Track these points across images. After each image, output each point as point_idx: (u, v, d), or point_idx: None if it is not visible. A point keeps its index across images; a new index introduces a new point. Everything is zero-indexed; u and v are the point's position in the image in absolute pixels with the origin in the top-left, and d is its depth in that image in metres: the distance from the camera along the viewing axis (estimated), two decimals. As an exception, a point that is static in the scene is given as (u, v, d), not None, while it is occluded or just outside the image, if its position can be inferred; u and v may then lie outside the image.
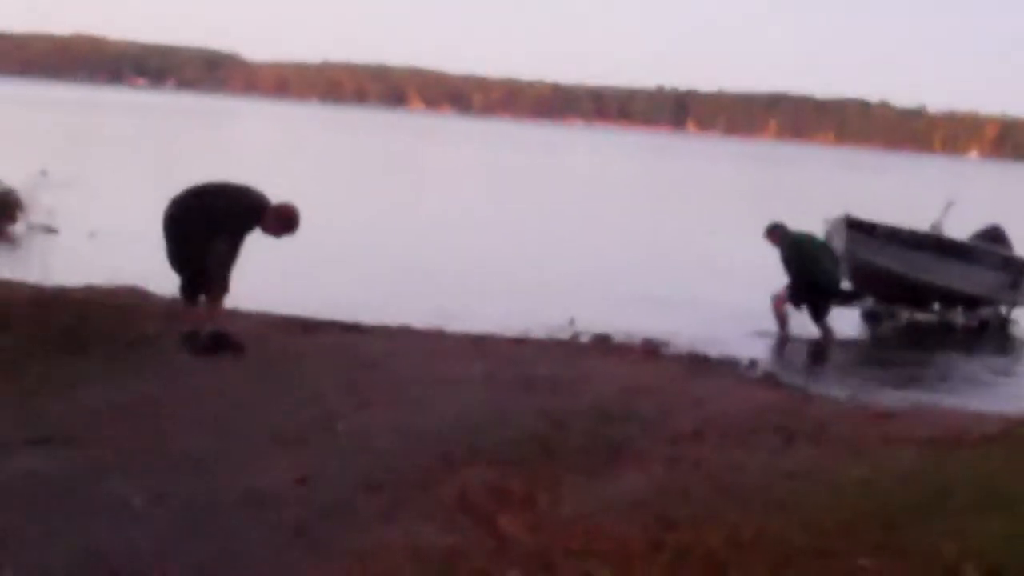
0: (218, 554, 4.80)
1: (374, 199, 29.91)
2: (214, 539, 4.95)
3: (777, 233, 13.81)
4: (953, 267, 15.63)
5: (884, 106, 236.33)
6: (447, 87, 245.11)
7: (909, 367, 12.89)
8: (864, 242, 15.00)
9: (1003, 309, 16.29)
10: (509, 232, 24.11)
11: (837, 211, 15.60)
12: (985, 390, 11.64)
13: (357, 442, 6.44)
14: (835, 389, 10.44)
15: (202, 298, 8.72)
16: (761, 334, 13.34)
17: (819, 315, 13.72)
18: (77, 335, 8.38)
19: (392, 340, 9.80)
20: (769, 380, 9.98)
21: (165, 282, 9.40)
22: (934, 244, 15.75)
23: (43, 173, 18.06)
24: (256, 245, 8.95)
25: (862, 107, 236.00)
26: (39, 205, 17.05)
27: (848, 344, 14.15)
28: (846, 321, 14.71)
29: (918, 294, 15.79)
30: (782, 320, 13.54)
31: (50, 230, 17.07)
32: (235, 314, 9.35)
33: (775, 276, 13.75)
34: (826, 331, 13.70)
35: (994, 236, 16.74)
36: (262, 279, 11.23)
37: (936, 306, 16.22)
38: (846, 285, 14.67)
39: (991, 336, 15.72)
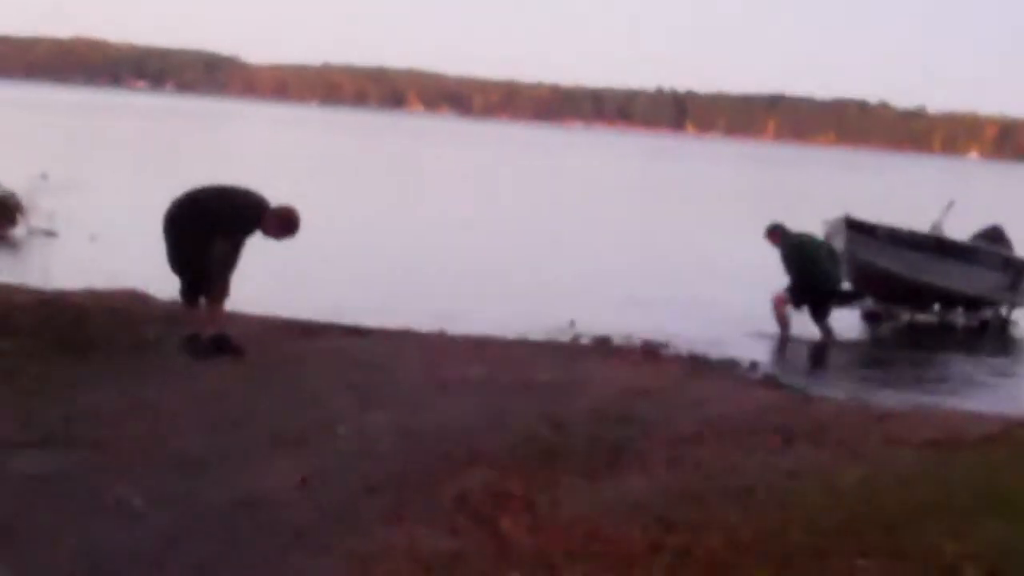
0: (218, 555, 4.81)
1: (374, 201, 29.89)
2: (214, 540, 4.96)
3: (777, 233, 13.82)
4: (953, 268, 15.62)
5: (884, 107, 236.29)
6: (446, 89, 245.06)
7: (909, 368, 12.90)
8: (864, 243, 15.00)
9: (1003, 310, 16.29)
10: (509, 234, 24.12)
11: (837, 212, 15.60)
12: (985, 391, 11.64)
13: (358, 444, 6.45)
14: (835, 390, 10.46)
15: (202, 301, 8.73)
16: (761, 335, 13.34)
17: (820, 315, 13.71)
18: (77, 338, 8.39)
19: (392, 343, 9.81)
20: (769, 381, 9.99)
21: (165, 285, 9.41)
22: (934, 245, 15.74)
23: (43, 176, 18.07)
24: (257, 248, 8.95)
25: (862, 108, 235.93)
26: (39, 208, 17.05)
27: (848, 345, 14.15)
28: (846, 322, 14.71)
29: (918, 295, 15.79)
30: (782, 321, 13.53)
31: (50, 233, 17.07)
32: (235, 317, 9.35)
33: (775, 277, 13.75)
34: (827, 331, 13.70)
35: (994, 237, 16.74)
36: (262, 282, 11.24)
37: (936, 307, 16.23)
38: (846, 286, 14.67)
39: (991, 337, 15.72)
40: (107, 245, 16.52)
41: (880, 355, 14.10)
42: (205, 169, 16.90)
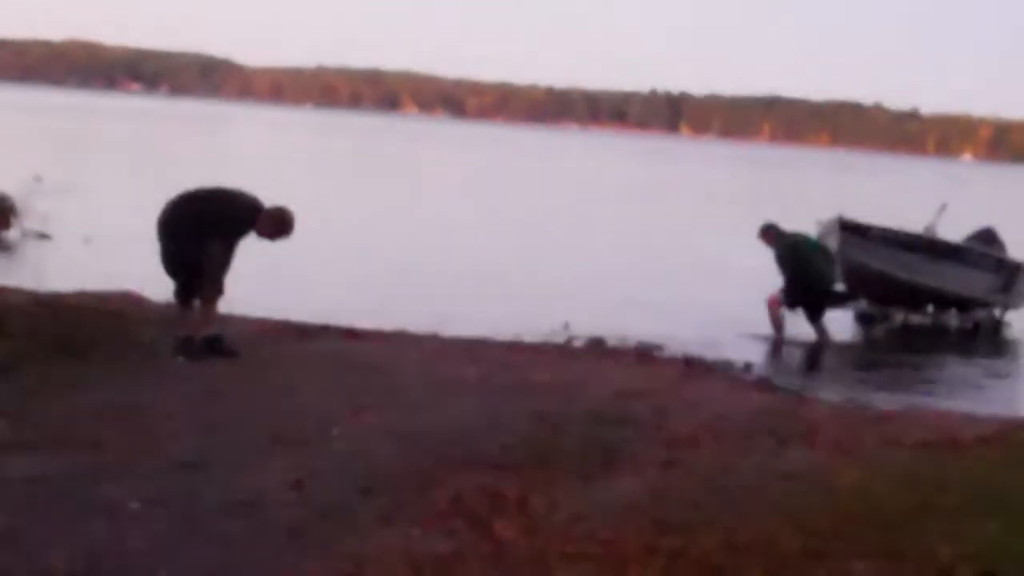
0: (214, 557, 4.81)
1: (368, 203, 29.89)
2: (210, 542, 4.96)
3: (771, 233, 13.82)
4: (947, 269, 15.65)
5: (878, 109, 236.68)
6: (441, 91, 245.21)
7: (903, 370, 12.92)
8: (858, 244, 15.01)
9: (996, 311, 16.33)
10: (504, 236, 24.13)
11: (831, 213, 15.62)
12: (979, 392, 11.66)
13: (352, 446, 6.45)
14: (829, 392, 10.47)
15: (197, 302, 8.72)
16: (756, 337, 13.35)
17: (814, 316, 13.72)
18: (72, 340, 8.37)
19: (387, 344, 9.80)
20: (764, 383, 10.00)
21: (159, 287, 9.40)
22: (927, 246, 15.77)
23: (37, 179, 18.06)
24: (251, 250, 8.95)
25: (856, 110, 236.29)
26: (33, 211, 17.03)
27: (842, 347, 14.16)
28: (840, 324, 14.73)
29: (912, 296, 15.81)
30: (777, 323, 13.54)
31: (44, 236, 17.05)
32: (230, 319, 9.35)
33: (770, 279, 13.77)
34: (822, 332, 13.70)
35: (987, 239, 16.78)
36: (257, 284, 11.22)
37: (930, 308, 16.26)
38: (840, 286, 14.68)
39: (984, 338, 15.75)
40: (101, 247, 16.51)
41: (874, 357, 14.11)
42: (200, 172, 16.89)
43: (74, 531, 5.00)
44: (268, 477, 5.82)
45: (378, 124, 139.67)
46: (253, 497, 5.51)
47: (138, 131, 66.01)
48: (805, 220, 15.48)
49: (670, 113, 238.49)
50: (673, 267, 20.15)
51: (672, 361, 10.42)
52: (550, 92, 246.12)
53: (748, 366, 10.89)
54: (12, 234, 17.07)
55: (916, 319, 16.07)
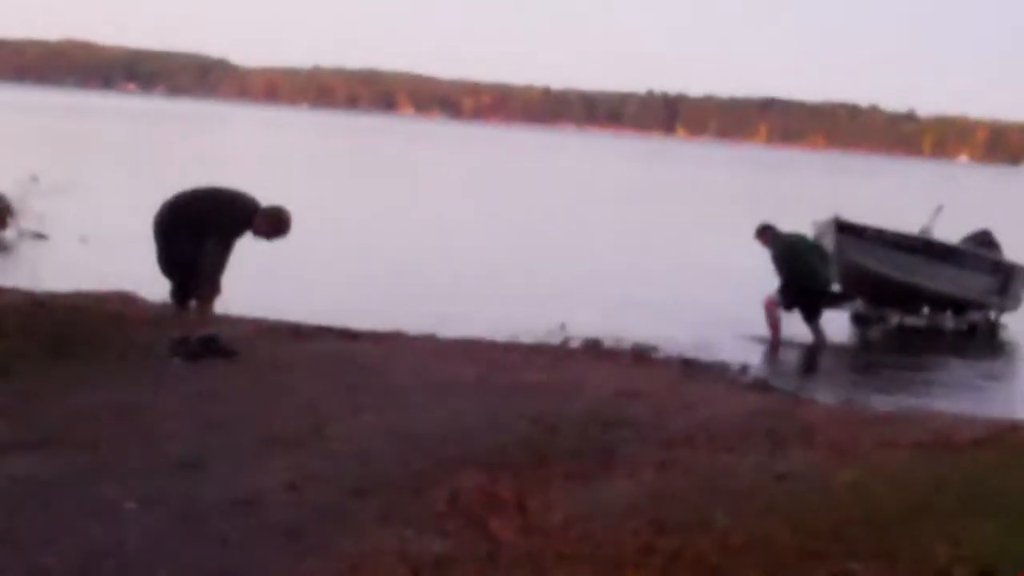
0: (212, 557, 4.81)
1: (366, 203, 29.89)
2: (208, 542, 4.96)
3: (767, 233, 13.82)
4: (942, 271, 15.66)
5: (874, 110, 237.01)
6: (437, 92, 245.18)
7: (899, 371, 12.93)
8: (854, 244, 15.02)
9: (992, 313, 16.34)
10: (501, 236, 24.13)
11: (827, 214, 15.63)
12: (974, 394, 11.67)
13: (349, 447, 6.45)
14: (825, 393, 10.48)
15: (193, 303, 8.73)
16: (752, 338, 13.35)
17: (811, 317, 13.71)
18: (68, 340, 8.37)
19: (384, 345, 9.80)
20: (760, 384, 10.00)
21: (156, 287, 9.40)
22: (923, 247, 15.78)
23: (34, 179, 18.01)
24: (249, 250, 8.96)
25: (852, 111, 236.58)
26: (30, 211, 17.00)
27: (838, 348, 14.17)
28: (836, 325, 14.74)
29: (907, 297, 15.82)
30: (774, 324, 13.54)
31: (40, 236, 17.04)
32: (227, 319, 9.35)
33: (767, 280, 13.77)
34: (818, 333, 13.69)
35: (984, 240, 16.79)
36: (255, 284, 11.23)
37: (925, 310, 16.27)
38: (836, 287, 14.69)
39: (980, 340, 15.77)
40: (97, 247, 16.51)
41: (871, 358, 14.13)
42: (196, 172, 16.89)
43: (71, 531, 5.00)
44: (266, 477, 5.82)
45: (375, 124, 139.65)
46: (251, 497, 5.51)
47: (135, 131, 65.98)
48: (801, 221, 15.48)
49: (666, 114, 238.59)
50: (670, 268, 20.16)
51: (669, 362, 10.42)
52: (547, 93, 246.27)
53: (745, 367, 10.89)
54: (8, 234, 17.04)
55: (911, 321, 16.08)
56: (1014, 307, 16.46)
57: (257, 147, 61.74)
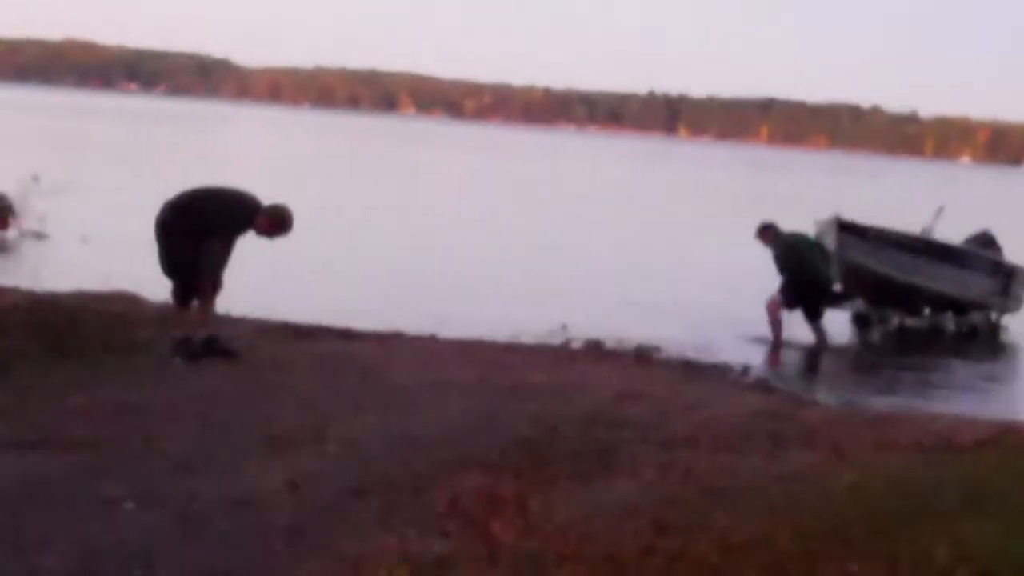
0: (211, 557, 4.80)
1: (367, 204, 29.89)
2: (207, 542, 4.96)
3: (769, 233, 13.81)
4: (944, 271, 15.66)
5: (876, 111, 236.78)
6: (439, 92, 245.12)
7: (900, 372, 12.92)
8: (855, 244, 15.02)
9: (993, 314, 16.33)
10: (501, 237, 24.14)
11: (828, 214, 15.62)
12: (975, 395, 11.68)
13: (349, 447, 6.45)
14: (827, 394, 10.48)
15: (194, 303, 8.73)
16: (754, 339, 13.35)
17: (813, 316, 13.70)
18: (69, 340, 8.37)
19: (384, 346, 9.80)
20: (761, 385, 10.00)
21: (157, 287, 9.41)
22: (925, 248, 15.78)
23: (35, 178, 18.02)
24: (249, 250, 8.96)
25: (854, 112, 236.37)
26: (31, 210, 17.00)
27: (839, 349, 14.18)
28: (837, 326, 14.74)
29: (908, 298, 15.82)
30: (776, 325, 13.52)
31: (42, 235, 17.04)
32: (228, 319, 9.35)
33: (769, 281, 13.76)
34: (820, 333, 13.67)
35: (985, 241, 16.79)
36: (255, 284, 11.23)
37: (926, 311, 16.26)
38: (837, 286, 14.68)
39: (981, 341, 15.77)
40: (99, 247, 16.51)
41: (872, 359, 14.14)
42: (198, 171, 16.90)
43: (71, 531, 5.00)
44: (265, 477, 5.82)
45: (376, 124, 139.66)
46: (250, 497, 5.51)
47: (136, 131, 65.98)
48: (803, 222, 15.48)
49: (668, 115, 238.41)
50: (671, 268, 20.16)
51: (670, 363, 10.42)
52: (548, 93, 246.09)
53: (746, 369, 10.88)
54: (10, 234, 17.01)
55: (912, 322, 16.07)
56: (1015, 308, 16.45)
57: (259, 147, 61.78)
